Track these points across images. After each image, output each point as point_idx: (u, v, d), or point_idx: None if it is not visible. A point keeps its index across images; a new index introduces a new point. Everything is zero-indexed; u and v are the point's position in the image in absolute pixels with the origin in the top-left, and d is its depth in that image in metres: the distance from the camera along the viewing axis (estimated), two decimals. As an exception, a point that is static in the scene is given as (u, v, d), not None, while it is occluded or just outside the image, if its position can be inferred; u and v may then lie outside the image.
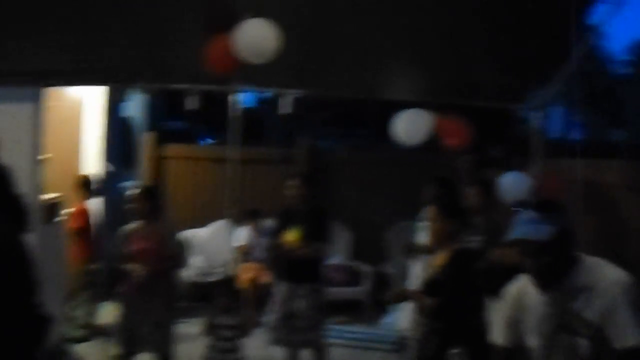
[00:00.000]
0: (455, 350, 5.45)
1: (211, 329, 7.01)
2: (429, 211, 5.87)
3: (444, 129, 7.63)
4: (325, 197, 8.16)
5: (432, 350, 5.55)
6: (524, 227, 3.66)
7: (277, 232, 7.68)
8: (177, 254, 7.46)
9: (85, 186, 9.36)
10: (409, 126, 7.36)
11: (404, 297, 6.24)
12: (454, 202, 6.06)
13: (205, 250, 6.97)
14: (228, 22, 6.06)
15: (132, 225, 7.23)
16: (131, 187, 8.78)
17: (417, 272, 6.80)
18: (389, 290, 6.25)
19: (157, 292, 6.99)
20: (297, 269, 7.47)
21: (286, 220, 7.63)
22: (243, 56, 6.01)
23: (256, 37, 5.98)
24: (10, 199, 2.78)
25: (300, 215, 7.55)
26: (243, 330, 7.03)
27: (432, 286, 5.59)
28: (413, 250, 7.36)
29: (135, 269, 6.90)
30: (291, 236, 7.50)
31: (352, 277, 10.86)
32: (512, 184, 7.68)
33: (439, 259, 5.66)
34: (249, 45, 5.98)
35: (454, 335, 5.47)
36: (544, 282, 3.65)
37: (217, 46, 6.11)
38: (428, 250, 6.09)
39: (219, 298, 6.98)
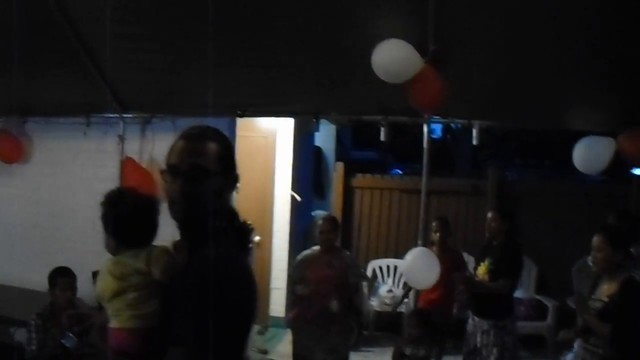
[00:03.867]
0: None
1: (400, 359, 6.98)
2: (595, 239, 5.80)
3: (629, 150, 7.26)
4: (516, 229, 8.02)
5: None
6: None
7: (475, 264, 7.68)
8: (356, 284, 7.48)
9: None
10: (589, 154, 7.10)
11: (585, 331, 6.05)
12: (623, 233, 5.85)
13: (408, 277, 6.97)
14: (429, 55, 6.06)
15: (314, 253, 7.35)
16: (319, 217, 8.90)
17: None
18: (573, 327, 6.06)
19: (332, 319, 7.04)
20: (482, 303, 7.35)
21: (481, 254, 7.59)
22: (380, 74, 5.97)
23: (396, 57, 5.92)
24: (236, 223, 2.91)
25: (493, 249, 7.47)
26: None
27: (603, 315, 5.52)
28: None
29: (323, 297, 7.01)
30: (480, 270, 7.43)
31: (537, 311, 10.58)
32: None
33: (608, 288, 5.61)
34: (387, 66, 5.93)
35: None
36: None
37: (424, 81, 6.07)
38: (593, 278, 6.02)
39: (410, 328, 6.94)
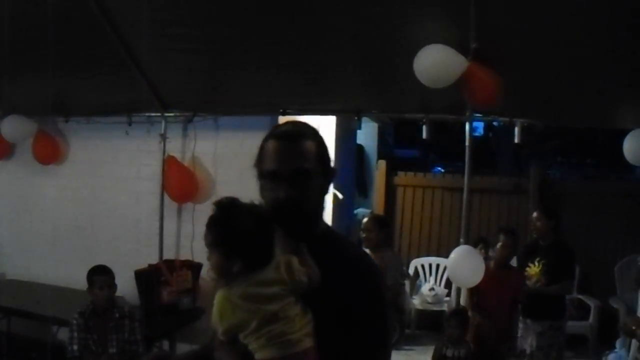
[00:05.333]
0: None
1: (439, 360, 6.97)
2: None
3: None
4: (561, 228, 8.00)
5: None
6: None
7: (521, 265, 7.62)
8: (393, 285, 7.47)
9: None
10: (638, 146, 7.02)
11: (633, 332, 6.04)
12: None
13: (453, 276, 6.97)
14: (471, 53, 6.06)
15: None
16: (363, 215, 8.91)
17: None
18: (622, 322, 6.03)
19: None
20: (537, 305, 7.33)
21: (529, 254, 7.55)
22: (423, 81, 5.99)
23: (437, 62, 5.93)
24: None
25: (543, 250, 7.43)
26: None
27: None
28: None
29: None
30: (533, 271, 7.41)
31: (579, 311, 10.48)
32: None
33: None
34: (430, 71, 5.94)
35: None
36: None
37: (474, 79, 6.08)
38: None
39: (450, 329, 6.94)
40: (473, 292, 7.20)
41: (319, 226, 2.66)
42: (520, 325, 7.51)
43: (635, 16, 5.71)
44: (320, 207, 2.69)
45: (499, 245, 7.37)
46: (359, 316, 2.49)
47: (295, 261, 2.51)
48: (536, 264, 7.42)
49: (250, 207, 2.58)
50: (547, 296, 7.31)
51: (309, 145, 2.63)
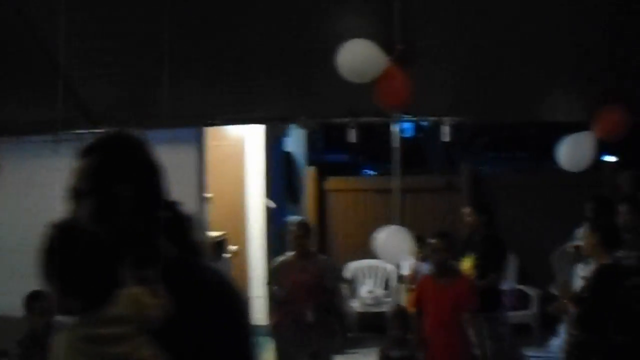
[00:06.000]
0: None
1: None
2: (582, 229, 6.18)
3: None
4: (494, 222, 8.09)
5: None
6: None
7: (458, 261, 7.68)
8: (332, 288, 7.47)
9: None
10: (574, 152, 7.12)
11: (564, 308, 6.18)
12: (601, 218, 5.98)
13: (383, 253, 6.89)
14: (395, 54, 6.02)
15: (289, 259, 7.33)
16: (292, 222, 8.89)
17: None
18: (552, 303, 6.20)
19: (313, 323, 7.02)
20: None
21: (462, 249, 7.61)
22: (345, 77, 5.94)
23: (358, 57, 5.89)
24: (189, 246, 2.48)
25: (475, 244, 7.49)
26: None
27: (579, 298, 5.78)
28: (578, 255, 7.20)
29: (300, 306, 6.99)
30: (465, 265, 7.45)
31: (520, 301, 10.77)
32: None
33: (591, 272, 5.84)
34: (351, 66, 5.89)
35: (593, 349, 5.54)
36: None
37: (389, 80, 6.04)
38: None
39: (392, 329, 6.90)
40: (414, 304, 7.10)
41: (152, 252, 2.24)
42: None
43: (558, 11, 5.76)
44: (129, 230, 2.29)
45: (432, 251, 7.10)
46: (221, 348, 2.26)
47: (143, 293, 2.14)
48: (469, 258, 7.47)
49: (84, 232, 2.19)
50: (479, 289, 7.33)
51: (85, 162, 2.37)
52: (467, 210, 7.73)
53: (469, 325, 6.82)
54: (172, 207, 2.48)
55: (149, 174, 2.42)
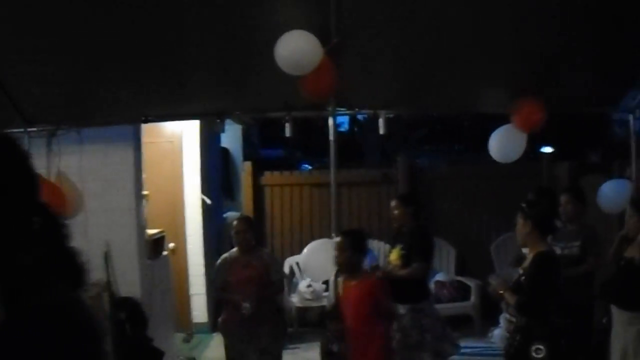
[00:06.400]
0: (536, 347, 5.54)
1: (328, 356, 6.90)
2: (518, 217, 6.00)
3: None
4: (427, 215, 8.15)
5: (514, 347, 5.76)
6: None
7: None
8: (278, 281, 7.52)
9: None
10: (504, 144, 7.21)
11: (500, 295, 6.25)
12: (533, 206, 6.10)
13: (307, 270, 6.92)
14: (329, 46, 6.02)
15: (232, 255, 7.32)
16: (231, 218, 8.86)
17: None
18: (490, 286, 6.27)
19: (261, 319, 7.02)
20: (397, 289, 7.36)
21: (393, 241, 7.69)
22: (283, 69, 5.93)
23: (296, 49, 5.89)
24: (66, 256, 2.10)
25: (403, 235, 7.56)
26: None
27: (518, 285, 5.85)
28: (521, 260, 7.31)
29: (238, 299, 6.98)
30: (392, 257, 7.52)
31: (460, 293, 10.84)
32: (613, 192, 7.45)
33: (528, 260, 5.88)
34: (289, 58, 5.89)
35: (535, 333, 5.60)
36: None
37: (314, 71, 6.04)
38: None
39: (331, 324, 6.88)
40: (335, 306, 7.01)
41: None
42: None
43: (489, 9, 5.85)
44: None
45: (336, 249, 6.65)
46: None
47: None
48: (396, 250, 7.54)
49: None
50: (405, 280, 7.38)
51: None
52: (393, 203, 7.77)
53: (388, 319, 6.83)
54: (44, 211, 2.15)
55: (22, 181, 2.11)
